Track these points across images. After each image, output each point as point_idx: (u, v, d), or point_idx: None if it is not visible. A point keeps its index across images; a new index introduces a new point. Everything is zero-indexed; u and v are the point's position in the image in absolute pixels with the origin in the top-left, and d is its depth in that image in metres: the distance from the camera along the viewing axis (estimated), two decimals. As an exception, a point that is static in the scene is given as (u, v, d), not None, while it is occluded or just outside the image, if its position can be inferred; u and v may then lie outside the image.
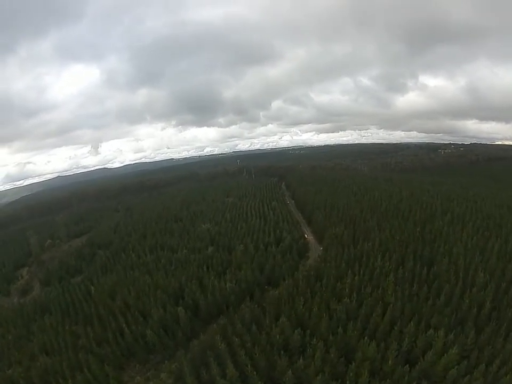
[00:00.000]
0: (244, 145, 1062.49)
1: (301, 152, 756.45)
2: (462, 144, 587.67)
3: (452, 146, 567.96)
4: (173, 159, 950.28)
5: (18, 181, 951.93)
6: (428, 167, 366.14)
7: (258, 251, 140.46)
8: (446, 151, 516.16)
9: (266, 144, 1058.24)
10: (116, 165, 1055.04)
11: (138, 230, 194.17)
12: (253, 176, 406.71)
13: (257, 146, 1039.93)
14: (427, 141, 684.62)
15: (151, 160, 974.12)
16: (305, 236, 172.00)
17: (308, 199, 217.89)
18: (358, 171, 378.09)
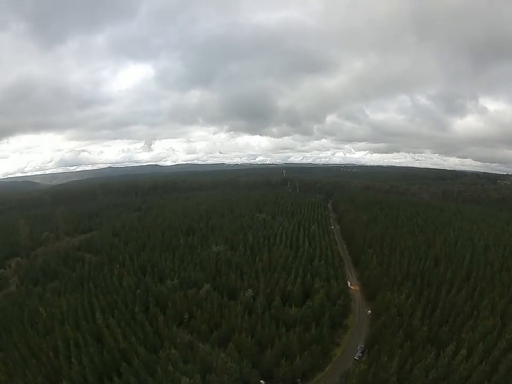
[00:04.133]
0: (296, 158, 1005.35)
1: (353, 170, 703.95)
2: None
3: (511, 178, 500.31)
4: (224, 164, 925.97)
5: (72, 166, 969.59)
6: (494, 200, 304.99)
7: (270, 309, 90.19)
8: (505, 182, 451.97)
9: (318, 159, 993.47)
10: (168, 163, 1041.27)
11: (140, 239, 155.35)
12: (297, 189, 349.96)
13: (309, 160, 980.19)
14: (482, 170, 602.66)
15: (203, 163, 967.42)
16: (349, 283, 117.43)
17: (358, 229, 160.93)
18: (418, 197, 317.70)
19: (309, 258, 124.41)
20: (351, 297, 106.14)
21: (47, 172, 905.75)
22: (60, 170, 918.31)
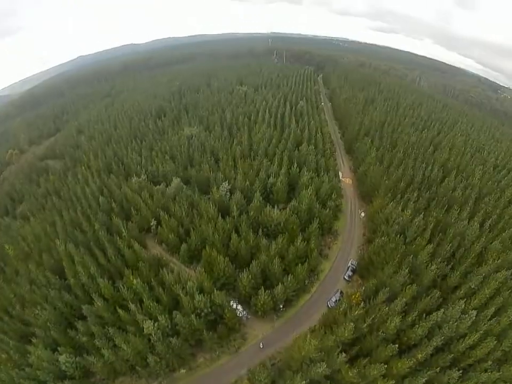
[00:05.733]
0: (283, 28, 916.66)
1: (346, 45, 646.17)
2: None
3: None
4: (206, 34, 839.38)
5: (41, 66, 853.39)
6: (496, 110, 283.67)
7: (249, 210, 75.70)
8: (505, 94, 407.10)
9: (308, 30, 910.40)
10: (144, 40, 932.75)
11: (105, 131, 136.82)
12: (284, 60, 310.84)
13: (298, 31, 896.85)
14: (482, 75, 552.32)
15: (182, 36, 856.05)
16: (340, 174, 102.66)
17: (353, 111, 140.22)
18: (417, 85, 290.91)
19: (295, 141, 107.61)
20: (342, 193, 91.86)
21: (16, 80, 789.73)
22: (28, 74, 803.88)
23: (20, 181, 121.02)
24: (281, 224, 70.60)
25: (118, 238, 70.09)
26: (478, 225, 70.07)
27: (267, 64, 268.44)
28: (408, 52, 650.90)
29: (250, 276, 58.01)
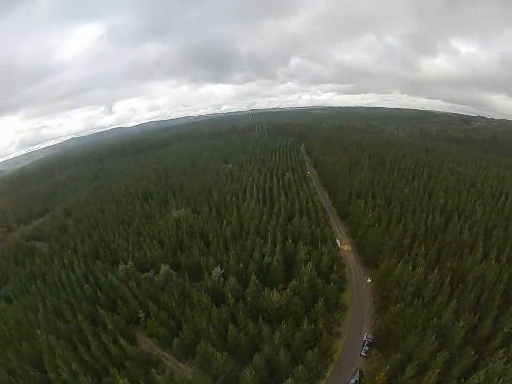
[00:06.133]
0: (262, 104, 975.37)
1: (322, 112, 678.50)
2: (492, 119, 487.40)
3: (484, 120, 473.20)
4: (189, 116, 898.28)
5: (34, 145, 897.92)
6: (474, 140, 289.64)
7: (245, 296, 69.72)
8: (478, 123, 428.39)
9: (285, 103, 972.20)
10: (132, 124, 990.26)
11: (92, 215, 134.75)
12: (265, 134, 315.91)
13: (275, 105, 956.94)
14: (452, 111, 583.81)
15: (167, 118, 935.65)
16: (338, 242, 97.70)
17: (340, 174, 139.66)
18: (396, 137, 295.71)
19: (287, 214, 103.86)
20: (344, 262, 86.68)
21: (10, 156, 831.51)
22: (23, 152, 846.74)
23: (6, 260, 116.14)
24: (283, 307, 64.15)
25: (103, 331, 63.96)
26: (496, 262, 65.02)
27: (250, 140, 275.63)
28: (381, 108, 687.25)
29: (254, 371, 50.44)
